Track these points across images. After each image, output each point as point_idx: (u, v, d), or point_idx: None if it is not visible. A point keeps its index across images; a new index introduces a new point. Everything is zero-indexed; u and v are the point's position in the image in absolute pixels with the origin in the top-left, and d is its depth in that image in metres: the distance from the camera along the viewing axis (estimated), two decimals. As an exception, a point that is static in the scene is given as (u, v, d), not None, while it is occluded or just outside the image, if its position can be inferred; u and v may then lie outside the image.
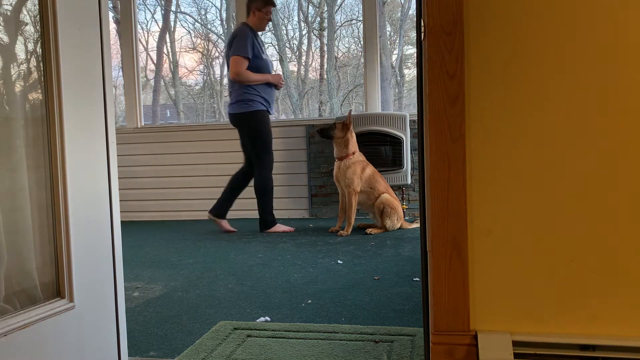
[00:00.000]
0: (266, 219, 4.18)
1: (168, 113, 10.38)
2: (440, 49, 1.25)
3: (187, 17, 10.21)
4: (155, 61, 9.87)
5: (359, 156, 4.07)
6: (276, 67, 9.14)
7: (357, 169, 4.00)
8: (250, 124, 4.10)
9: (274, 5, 4.21)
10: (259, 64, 4.07)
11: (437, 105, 1.26)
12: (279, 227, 4.19)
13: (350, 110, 4.17)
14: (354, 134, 4.10)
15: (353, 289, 2.46)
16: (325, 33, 9.13)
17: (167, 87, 10.07)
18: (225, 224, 4.30)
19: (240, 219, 4.96)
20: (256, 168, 4.13)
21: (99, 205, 1.45)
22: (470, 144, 1.26)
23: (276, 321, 2.04)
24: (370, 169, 4.06)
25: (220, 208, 4.27)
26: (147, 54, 9.71)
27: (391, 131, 4.63)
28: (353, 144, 4.07)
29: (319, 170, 4.98)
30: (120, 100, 6.94)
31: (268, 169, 4.13)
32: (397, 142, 4.64)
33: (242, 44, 4.00)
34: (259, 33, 4.20)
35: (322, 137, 4.18)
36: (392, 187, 4.26)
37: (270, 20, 4.20)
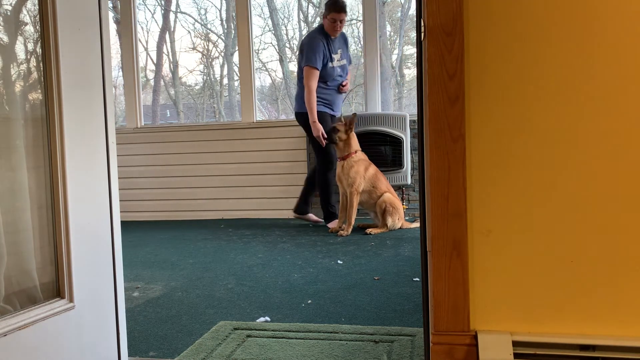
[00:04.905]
0: (325, 211, 4.33)
1: (168, 113, 10.37)
2: (440, 49, 1.25)
3: (187, 17, 10.20)
4: (155, 61, 9.86)
5: (360, 155, 4.07)
6: (276, 68, 9.12)
7: (360, 169, 4.00)
8: (306, 123, 4.23)
9: (338, 11, 4.09)
10: (324, 72, 4.14)
11: (437, 105, 1.26)
12: (311, 217, 4.37)
13: (355, 114, 4.15)
14: (354, 134, 4.11)
15: (353, 289, 2.46)
16: (325, 33, 9.10)
17: (167, 87, 10.06)
18: (311, 216, 4.45)
19: (240, 219, 4.96)
20: (318, 164, 4.30)
21: (99, 205, 1.45)
22: (470, 144, 1.26)
23: (276, 321, 2.04)
24: (372, 168, 4.07)
25: (303, 205, 4.45)
26: (147, 54, 9.70)
27: (391, 131, 4.63)
28: (354, 143, 4.07)
29: (319, 170, 4.98)
30: (120, 100, 6.93)
31: (326, 167, 4.25)
32: (397, 142, 4.64)
33: (312, 53, 4.08)
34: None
35: (331, 141, 4.15)
36: (392, 187, 4.27)
37: (336, 28, 4.14)
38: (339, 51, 4.23)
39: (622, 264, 1.22)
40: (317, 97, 4.18)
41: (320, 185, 4.30)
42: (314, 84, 4.10)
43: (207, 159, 5.16)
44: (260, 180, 5.01)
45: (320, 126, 4.10)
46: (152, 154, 5.30)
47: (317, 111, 4.16)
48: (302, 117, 4.24)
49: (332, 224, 4.21)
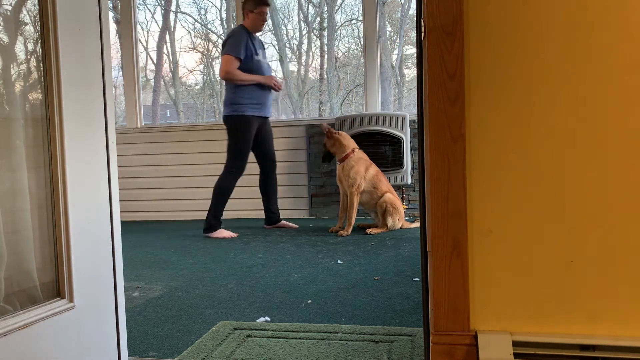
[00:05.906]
0: (209, 220, 4.08)
1: (168, 113, 10.38)
2: (440, 49, 1.25)
3: (187, 17, 10.21)
4: (155, 61, 9.86)
5: (359, 153, 4.07)
6: (276, 67, 9.13)
7: (360, 169, 3.99)
8: (230, 126, 4.07)
9: (266, 4, 4.10)
10: (251, 65, 4.02)
11: (437, 105, 1.26)
12: (222, 233, 4.06)
13: (322, 124, 4.25)
14: (342, 134, 4.12)
15: (353, 289, 2.46)
16: (325, 33, 9.12)
17: (167, 87, 10.07)
18: (285, 223, 4.37)
19: (239, 219, 4.96)
20: (224, 169, 4.08)
21: (99, 205, 1.45)
22: (470, 144, 1.26)
23: (276, 321, 2.04)
24: (374, 169, 4.06)
25: (272, 215, 4.34)
26: (147, 54, 9.71)
27: (391, 131, 4.63)
28: (347, 142, 4.07)
29: (319, 170, 4.98)
30: (120, 100, 6.94)
31: (232, 175, 4.05)
32: (397, 142, 4.64)
33: (235, 43, 4.00)
34: (259, 34, 4.19)
35: (328, 160, 4.24)
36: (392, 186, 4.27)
37: (264, 20, 4.12)
38: (260, 52, 4.15)
39: (622, 263, 1.22)
40: (246, 96, 4.03)
41: (220, 191, 4.05)
42: (236, 70, 3.98)
43: (207, 159, 5.17)
44: (260, 180, 5.00)
45: (268, 77, 4.04)
46: (152, 154, 5.31)
47: (244, 114, 4.01)
48: (230, 120, 4.07)
49: (218, 234, 4.05)
